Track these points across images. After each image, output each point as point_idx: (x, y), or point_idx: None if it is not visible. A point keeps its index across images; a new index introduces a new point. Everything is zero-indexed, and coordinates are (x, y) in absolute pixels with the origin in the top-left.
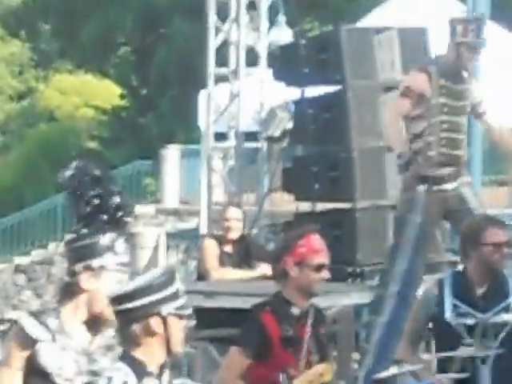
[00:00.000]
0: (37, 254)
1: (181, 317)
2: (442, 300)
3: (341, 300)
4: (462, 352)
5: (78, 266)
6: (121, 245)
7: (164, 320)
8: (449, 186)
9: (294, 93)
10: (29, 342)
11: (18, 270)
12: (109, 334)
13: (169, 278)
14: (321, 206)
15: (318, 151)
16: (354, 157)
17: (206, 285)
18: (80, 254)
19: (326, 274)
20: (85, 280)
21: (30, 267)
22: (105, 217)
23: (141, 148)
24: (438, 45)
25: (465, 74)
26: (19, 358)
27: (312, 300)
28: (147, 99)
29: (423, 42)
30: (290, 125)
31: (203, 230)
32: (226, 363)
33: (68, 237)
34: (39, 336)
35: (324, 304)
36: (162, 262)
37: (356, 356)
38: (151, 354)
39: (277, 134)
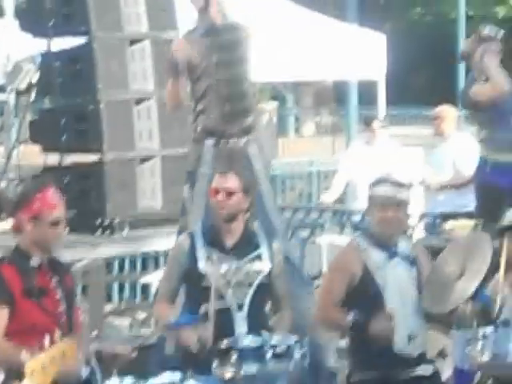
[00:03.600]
0: None
1: None
2: (194, 251)
3: (91, 252)
4: (218, 304)
5: None
6: None
7: None
8: (236, 141)
9: (42, 45)
10: None
11: None
12: None
13: None
14: (69, 159)
15: (65, 103)
16: (102, 109)
17: None
18: None
19: (62, 228)
20: None
21: None
22: None
23: None
24: None
25: (229, 23)
26: None
27: (55, 253)
28: None
29: None
30: (36, 77)
31: None
32: None
33: None
34: None
35: (74, 256)
36: None
37: (108, 308)
38: None
39: (23, 86)
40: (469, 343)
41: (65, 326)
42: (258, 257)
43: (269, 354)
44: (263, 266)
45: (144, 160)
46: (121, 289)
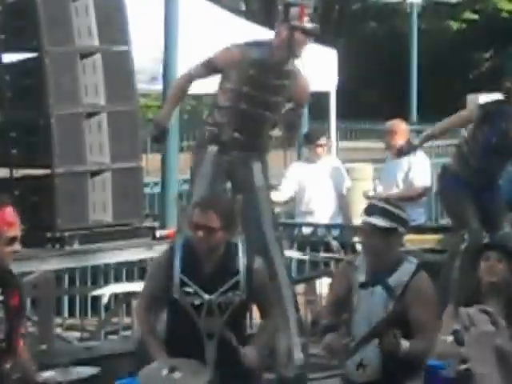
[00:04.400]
0: None
1: None
2: (171, 273)
3: (41, 265)
4: (190, 329)
5: None
6: None
7: None
8: (237, 154)
9: None
10: None
11: None
12: None
13: None
14: (20, 173)
15: (16, 118)
16: (52, 123)
17: None
18: None
19: (17, 246)
20: None
21: None
22: None
23: None
24: None
25: (287, 68)
26: None
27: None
28: None
29: (120, 7)
30: None
31: None
32: None
33: None
34: None
35: (24, 269)
36: None
37: (58, 320)
38: None
39: None
40: None
41: (4, 348)
42: (235, 285)
43: None
44: (237, 295)
45: (95, 174)
46: (71, 302)
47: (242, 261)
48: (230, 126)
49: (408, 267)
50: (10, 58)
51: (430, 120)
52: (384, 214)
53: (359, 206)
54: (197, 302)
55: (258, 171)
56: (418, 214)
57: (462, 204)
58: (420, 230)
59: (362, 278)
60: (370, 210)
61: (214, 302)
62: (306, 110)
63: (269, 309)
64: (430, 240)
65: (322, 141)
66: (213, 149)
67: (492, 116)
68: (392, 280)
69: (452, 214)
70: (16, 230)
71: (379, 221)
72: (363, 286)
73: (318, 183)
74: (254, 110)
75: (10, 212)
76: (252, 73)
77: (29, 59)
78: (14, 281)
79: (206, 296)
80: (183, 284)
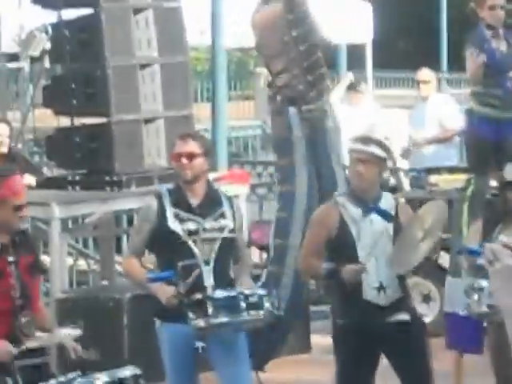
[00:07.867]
0: None
1: None
2: (163, 211)
3: (101, 207)
4: (188, 259)
5: None
6: None
7: None
8: (314, 106)
9: (52, 16)
10: None
11: None
12: None
13: None
14: (79, 121)
15: (75, 69)
16: (109, 74)
17: None
18: None
19: (25, 212)
20: None
21: None
22: None
23: None
24: None
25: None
26: None
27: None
28: None
29: None
30: (48, 45)
31: None
32: None
33: None
34: None
35: (85, 211)
36: None
37: (118, 258)
38: None
39: (36, 53)
40: (466, 294)
41: (18, 309)
42: (222, 215)
43: (243, 304)
44: (226, 223)
45: (148, 121)
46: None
47: (222, 195)
48: (300, 73)
49: (386, 193)
50: (68, 14)
51: (459, 69)
52: (379, 144)
53: (395, 148)
54: (192, 226)
55: (329, 114)
56: (451, 155)
57: (480, 150)
58: (453, 170)
59: (353, 210)
60: (365, 141)
61: (209, 226)
62: (344, 61)
63: (244, 249)
64: (462, 180)
65: (361, 87)
66: (293, 110)
67: None
68: (383, 205)
69: (468, 155)
70: (22, 199)
71: (377, 150)
72: (362, 216)
73: (359, 127)
74: (309, 45)
75: (17, 181)
76: (290, 17)
77: (86, 15)
78: (27, 241)
79: (200, 219)
80: (176, 215)
